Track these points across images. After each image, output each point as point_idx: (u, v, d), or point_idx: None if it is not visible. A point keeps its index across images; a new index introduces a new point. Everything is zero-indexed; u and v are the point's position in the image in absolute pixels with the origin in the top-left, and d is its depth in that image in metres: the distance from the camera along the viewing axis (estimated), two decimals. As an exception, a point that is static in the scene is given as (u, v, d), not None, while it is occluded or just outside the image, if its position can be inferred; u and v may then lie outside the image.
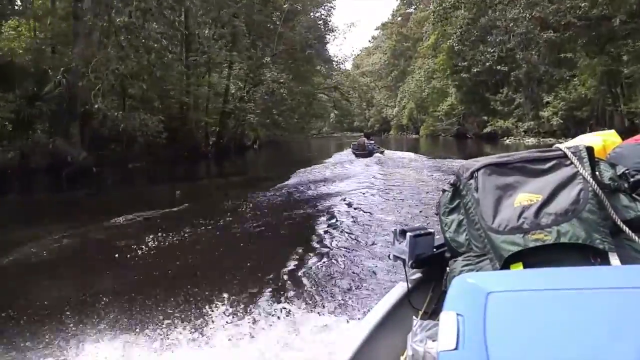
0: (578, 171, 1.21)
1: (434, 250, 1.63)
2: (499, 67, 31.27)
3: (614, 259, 1.10)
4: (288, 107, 23.63)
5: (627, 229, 1.14)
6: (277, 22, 22.08)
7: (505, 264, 1.15)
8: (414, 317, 1.37)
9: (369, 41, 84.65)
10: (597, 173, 1.24)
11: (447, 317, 0.86)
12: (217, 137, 21.43)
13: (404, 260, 1.58)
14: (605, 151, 1.55)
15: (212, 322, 3.05)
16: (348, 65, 75.67)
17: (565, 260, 1.10)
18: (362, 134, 23.34)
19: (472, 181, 1.31)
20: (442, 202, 1.43)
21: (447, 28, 36.29)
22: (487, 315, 0.83)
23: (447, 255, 1.44)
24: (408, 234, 1.57)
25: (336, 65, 54.75)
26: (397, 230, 1.63)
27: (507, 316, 0.84)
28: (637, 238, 1.13)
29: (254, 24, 20.47)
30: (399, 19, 62.84)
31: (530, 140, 26.80)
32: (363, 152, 17.16)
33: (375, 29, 79.13)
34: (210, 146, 20.54)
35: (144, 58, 13.64)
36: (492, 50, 31.72)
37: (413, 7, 58.56)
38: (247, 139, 28.19)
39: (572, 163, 1.23)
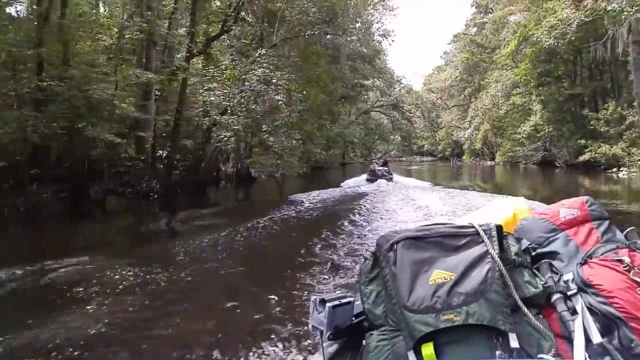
0: (488, 250, 1.28)
1: (353, 319, 1.57)
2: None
3: (513, 340, 1.18)
4: (284, 123, 15.85)
5: (524, 307, 1.23)
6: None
7: (418, 342, 1.22)
8: None
9: (440, 57, 77.19)
10: (505, 248, 1.33)
11: None
12: (167, 167, 14.45)
13: (321, 332, 1.50)
14: (515, 221, 1.61)
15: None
16: (417, 85, 68.64)
17: (472, 339, 1.19)
18: (433, 158, 20.23)
19: (391, 254, 1.34)
20: (362, 271, 1.45)
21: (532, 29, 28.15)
22: None
23: (366, 324, 1.46)
24: (327, 304, 1.48)
25: (396, 79, 47.89)
26: (317, 299, 1.51)
27: None
28: (531, 316, 1.22)
29: None
30: (474, 29, 54.66)
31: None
32: (372, 178, 19.17)
33: (448, 44, 71.22)
34: (155, 182, 13.87)
35: None
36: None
37: (490, 13, 49.93)
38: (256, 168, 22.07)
39: (483, 241, 1.30)
